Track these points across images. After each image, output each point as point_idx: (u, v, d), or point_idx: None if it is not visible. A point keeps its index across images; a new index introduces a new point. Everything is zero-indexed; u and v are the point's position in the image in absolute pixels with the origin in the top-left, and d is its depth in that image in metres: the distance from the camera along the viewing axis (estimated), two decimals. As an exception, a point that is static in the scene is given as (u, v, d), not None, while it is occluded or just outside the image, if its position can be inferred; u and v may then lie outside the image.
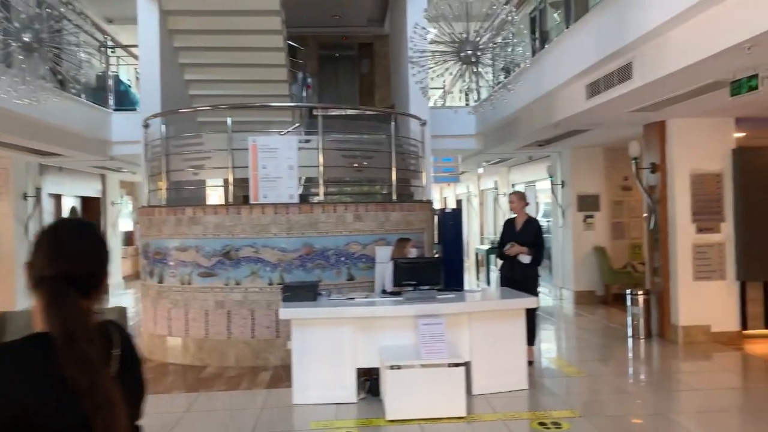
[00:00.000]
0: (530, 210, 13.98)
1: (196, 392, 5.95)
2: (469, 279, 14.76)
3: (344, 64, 15.23)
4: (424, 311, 5.30)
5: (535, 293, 6.66)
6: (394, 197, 7.48)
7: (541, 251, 6.73)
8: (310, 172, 7.22)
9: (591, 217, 10.97)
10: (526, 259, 6.54)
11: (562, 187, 11.32)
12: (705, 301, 7.46)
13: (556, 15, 8.72)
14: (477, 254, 14.73)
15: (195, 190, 8.21)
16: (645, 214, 8.24)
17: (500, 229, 6.97)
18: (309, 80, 14.51)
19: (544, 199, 12.92)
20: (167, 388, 6.09)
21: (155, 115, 7.73)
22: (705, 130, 7.48)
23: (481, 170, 14.21)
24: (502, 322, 5.60)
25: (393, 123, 7.47)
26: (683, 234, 7.47)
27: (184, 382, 6.35)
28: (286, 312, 5.36)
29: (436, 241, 8.48)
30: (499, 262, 6.99)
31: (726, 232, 7.47)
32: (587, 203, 10.97)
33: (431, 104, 11.00)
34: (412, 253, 6.34)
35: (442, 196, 24.25)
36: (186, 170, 7.49)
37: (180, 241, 7.06)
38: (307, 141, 7.16)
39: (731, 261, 7.46)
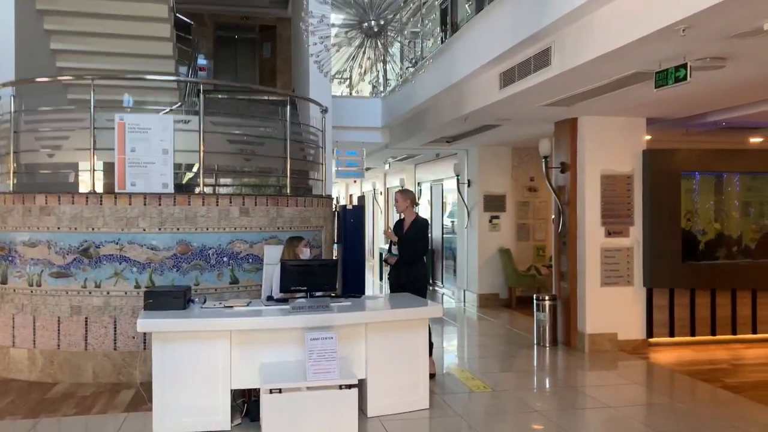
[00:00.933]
0: (436, 210, 13.66)
1: (35, 418, 4.89)
2: (373, 282, 14.18)
3: (244, 47, 14.18)
4: (312, 323, 4.55)
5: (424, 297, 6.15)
6: (288, 190, 6.67)
7: (413, 247, 6.09)
8: (192, 159, 6.28)
9: (497, 218, 10.61)
10: (395, 250, 6.11)
11: (468, 186, 10.90)
12: (612, 308, 7.16)
13: (467, 6, 8.21)
14: (381, 255, 14.13)
15: (56, 175, 7.02)
16: (553, 216, 7.89)
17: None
18: (204, 62, 13.40)
19: (451, 199, 12.49)
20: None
21: (4, 84, 6.50)
22: (617, 130, 7.19)
23: (387, 167, 13.61)
24: (404, 334, 4.95)
25: (288, 107, 6.65)
26: (592, 237, 7.15)
27: (25, 404, 5.25)
28: (145, 323, 4.44)
29: (336, 240, 7.76)
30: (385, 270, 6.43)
31: (635, 237, 7.21)
32: (493, 204, 10.60)
33: (336, 93, 10.25)
34: (306, 253, 5.56)
35: (348, 193, 23.56)
36: (40, 151, 6.33)
37: (29, 234, 5.92)
38: (187, 122, 6.20)
39: (639, 267, 7.20)
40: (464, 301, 11.06)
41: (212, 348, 4.53)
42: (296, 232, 6.57)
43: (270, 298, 5.23)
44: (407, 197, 6.27)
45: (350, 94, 12.67)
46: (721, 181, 7.45)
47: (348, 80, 12.93)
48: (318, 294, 5.04)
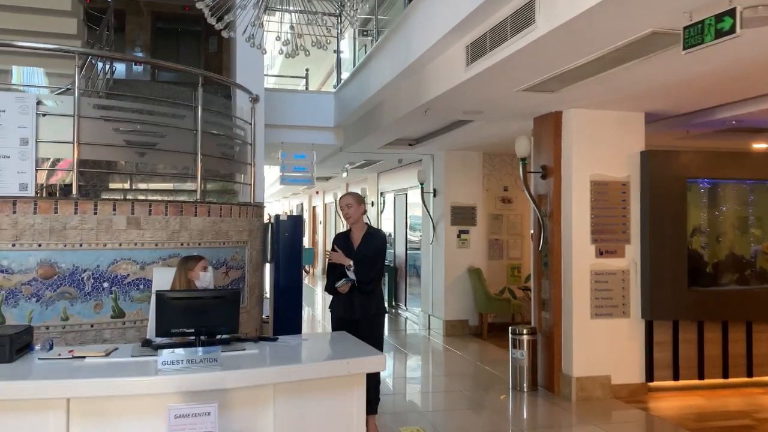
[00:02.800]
0: (399, 223, 12.25)
1: None
2: (313, 314, 12.69)
3: (187, 41, 12.69)
4: (189, 386, 3.10)
5: (381, 341, 4.73)
6: (198, 195, 5.22)
7: (373, 267, 4.71)
8: (65, 152, 4.78)
9: (466, 232, 9.25)
10: (351, 275, 4.64)
11: (434, 196, 9.55)
12: (604, 346, 5.83)
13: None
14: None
15: None
16: (532, 231, 6.55)
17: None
18: (140, 56, 11.92)
19: (417, 211, 11.12)
20: None
21: None
22: (610, 126, 5.90)
23: (344, 174, 12.20)
24: (332, 395, 3.52)
25: (200, 91, 5.21)
26: (580, 258, 5.82)
27: None
28: (-75, 390, 2.94)
29: (270, 258, 6.30)
30: (329, 297, 4.95)
31: (631, 257, 5.90)
32: (462, 216, 9.25)
33: (278, 86, 8.82)
34: (205, 279, 4.11)
35: (311, 205, 22.08)
36: None
37: None
38: (57, 104, 4.70)
39: (636, 294, 5.89)
40: (429, 328, 9.66)
41: (42, 423, 3.05)
42: (207, 249, 5.11)
43: (148, 343, 3.75)
44: (362, 202, 4.87)
45: (306, 87, 11.24)
46: (735, 191, 6.19)
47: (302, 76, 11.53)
48: (212, 337, 3.59)
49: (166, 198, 5.54)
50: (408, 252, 11.40)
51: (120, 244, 4.66)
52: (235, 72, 6.57)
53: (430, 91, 5.54)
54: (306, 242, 22.43)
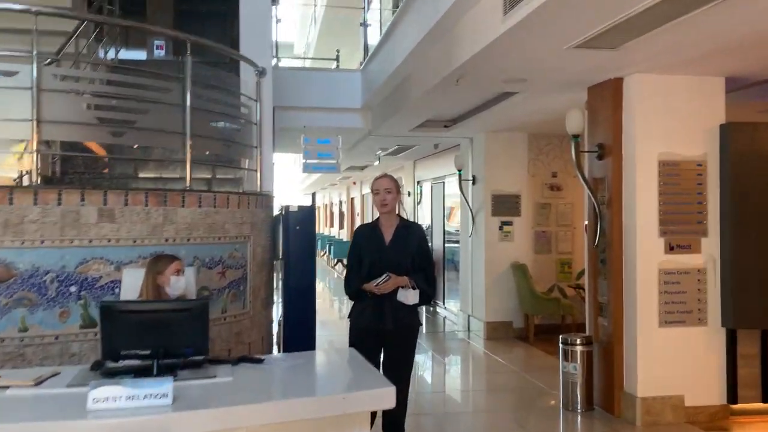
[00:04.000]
0: (437, 213, 11.32)
1: None
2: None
3: (211, 24, 12.06)
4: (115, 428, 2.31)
5: (412, 362, 3.88)
6: (188, 183, 4.44)
7: (435, 283, 3.92)
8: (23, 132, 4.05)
9: (509, 224, 8.29)
10: (411, 297, 3.72)
11: (474, 183, 8.60)
12: (676, 360, 4.83)
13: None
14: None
15: None
16: (585, 222, 5.57)
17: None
18: (161, 41, 11.29)
19: (454, 201, 10.19)
20: None
21: None
22: (682, 94, 4.88)
23: (376, 163, 11.34)
24: (325, 437, 2.69)
25: (188, 58, 4.42)
26: (646, 254, 4.83)
27: None
28: None
29: (281, 256, 5.52)
30: (348, 303, 4.10)
31: (709, 253, 4.88)
32: (504, 206, 8.29)
33: (301, 64, 8.00)
34: (177, 285, 3.33)
35: (349, 197, 21.34)
36: None
37: None
38: (12, 74, 3.98)
39: (715, 298, 4.86)
40: (468, 330, 8.74)
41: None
42: (196, 246, 4.35)
43: (99, 366, 2.97)
44: (398, 186, 3.92)
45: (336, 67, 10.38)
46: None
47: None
48: (172, 360, 2.79)
49: (148, 186, 4.77)
50: (446, 245, 10.49)
51: (90, 241, 3.93)
52: (240, 42, 5.77)
53: (462, 53, 4.61)
54: (345, 235, 21.72)
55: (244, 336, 4.78)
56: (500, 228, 8.27)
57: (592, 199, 5.21)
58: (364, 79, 7.91)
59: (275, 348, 5.64)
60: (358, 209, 19.00)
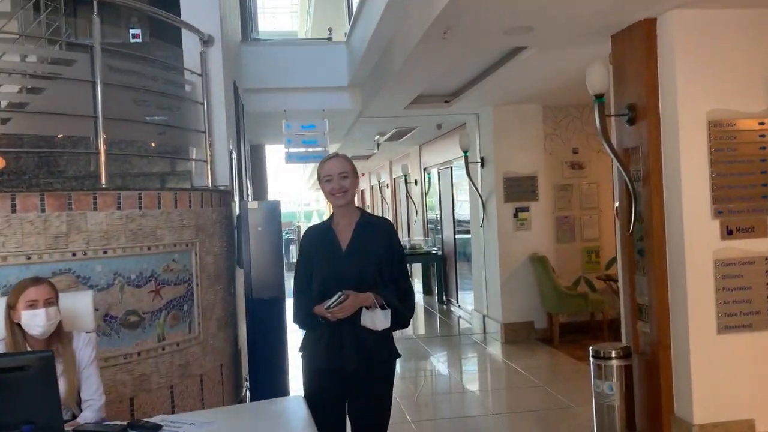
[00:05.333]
0: (446, 201, 10.20)
1: None
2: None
3: None
4: None
5: (388, 411, 2.84)
6: (103, 180, 3.48)
7: (412, 297, 2.88)
8: None
9: (524, 210, 7.23)
10: (380, 321, 2.68)
11: (482, 166, 7.56)
12: (742, 375, 3.77)
13: None
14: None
15: None
16: (616, 204, 4.51)
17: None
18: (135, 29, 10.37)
19: (463, 187, 9.15)
20: None
21: None
22: (736, 33, 3.79)
23: (375, 150, 10.32)
24: None
25: (96, 20, 3.46)
26: (696, 240, 3.76)
27: None
28: None
29: (237, 262, 4.55)
30: (298, 333, 3.05)
31: (780, 237, 3.80)
32: (519, 190, 7.23)
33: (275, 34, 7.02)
34: (33, 323, 2.37)
35: (358, 189, 20.31)
36: None
37: None
38: None
39: (791, 293, 3.79)
40: (485, 332, 7.72)
41: None
42: (117, 259, 3.40)
43: None
44: (354, 170, 2.84)
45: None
46: None
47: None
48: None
49: (40, 185, 3.79)
50: (456, 237, 9.46)
51: (-44, 260, 2.99)
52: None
53: (445, -5, 3.57)
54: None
55: (193, 367, 3.83)
56: (515, 215, 7.21)
57: (624, 174, 4.15)
58: (350, 52, 6.91)
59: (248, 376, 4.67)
60: (368, 201, 18.01)
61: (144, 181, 4.40)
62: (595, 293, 7.00)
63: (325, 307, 2.60)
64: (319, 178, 2.83)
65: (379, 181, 15.53)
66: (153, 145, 4.35)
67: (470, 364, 6.91)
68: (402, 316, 2.76)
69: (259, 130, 7.82)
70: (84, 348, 2.55)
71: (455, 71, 5.56)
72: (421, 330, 8.68)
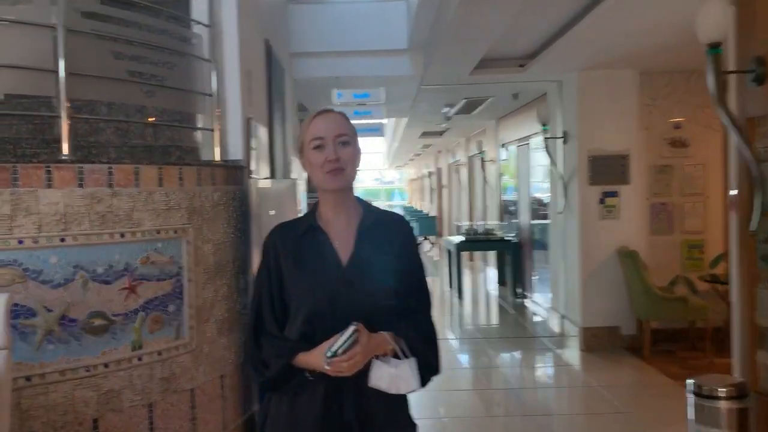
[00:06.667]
0: (522, 182, 9.11)
1: None
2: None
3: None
4: None
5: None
6: (65, 149, 2.81)
7: (435, 334, 1.85)
8: None
9: (613, 195, 6.14)
10: (405, 378, 1.68)
11: (565, 142, 6.50)
12: None
13: None
14: (449, 252, 9.95)
15: None
16: (731, 193, 3.41)
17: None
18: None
19: (542, 166, 8.09)
20: None
21: None
22: None
23: (443, 124, 9.34)
24: None
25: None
26: None
27: None
28: None
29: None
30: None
31: None
32: (607, 171, 6.14)
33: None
34: None
35: (436, 166, 19.41)
36: None
37: None
38: None
39: None
40: (562, 335, 6.71)
41: None
42: (81, 248, 2.74)
43: None
44: (355, 133, 1.84)
45: None
46: None
47: None
48: None
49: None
50: (534, 223, 8.41)
51: None
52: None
53: None
54: (430, 209, 19.93)
55: (182, 380, 3.14)
56: (601, 201, 6.13)
57: (746, 152, 3.07)
58: (409, 8, 6.00)
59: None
60: (445, 180, 17.08)
61: (143, 157, 3.73)
62: (697, 297, 5.84)
63: (328, 352, 1.61)
64: (302, 145, 1.82)
65: (454, 160, 14.55)
66: (150, 118, 3.65)
67: (540, 376, 5.95)
68: (431, 369, 1.79)
69: (310, 100, 7.09)
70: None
71: (526, 26, 4.56)
72: (488, 328, 7.77)
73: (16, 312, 2.61)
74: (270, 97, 4.73)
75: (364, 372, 1.67)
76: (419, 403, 4.24)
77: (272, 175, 4.63)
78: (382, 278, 1.77)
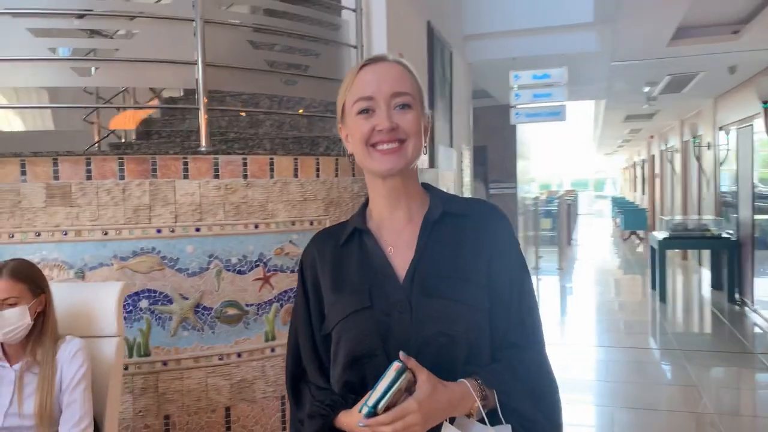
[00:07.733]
0: (743, 173, 7.70)
1: None
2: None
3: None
4: None
5: None
6: (203, 142, 2.86)
7: (551, 394, 1.27)
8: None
9: None
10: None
11: (793, 121, 5.35)
12: None
13: None
14: (653, 250, 8.86)
15: None
16: None
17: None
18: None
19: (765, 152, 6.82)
20: None
21: None
22: None
23: (645, 105, 8.28)
24: None
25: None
26: None
27: None
28: None
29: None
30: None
31: None
32: None
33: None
34: (7, 322, 1.79)
35: (649, 154, 17.67)
36: None
37: None
38: None
39: None
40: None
41: None
42: (213, 238, 2.79)
43: None
44: (421, 96, 1.29)
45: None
46: None
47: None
48: None
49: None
50: (756, 218, 7.14)
51: (38, 234, 2.64)
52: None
53: None
54: (642, 200, 18.20)
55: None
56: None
57: None
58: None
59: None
60: (657, 169, 15.47)
61: (295, 148, 3.73)
62: None
63: (363, 408, 1.09)
64: (342, 109, 1.29)
65: (666, 146, 13.05)
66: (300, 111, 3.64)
67: (750, 403, 4.98)
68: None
69: (487, 84, 6.70)
70: (70, 361, 1.93)
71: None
72: (694, 339, 6.76)
73: (154, 298, 2.72)
74: (432, 82, 4.50)
75: None
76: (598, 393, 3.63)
77: (431, 165, 4.40)
78: (460, 298, 1.22)
